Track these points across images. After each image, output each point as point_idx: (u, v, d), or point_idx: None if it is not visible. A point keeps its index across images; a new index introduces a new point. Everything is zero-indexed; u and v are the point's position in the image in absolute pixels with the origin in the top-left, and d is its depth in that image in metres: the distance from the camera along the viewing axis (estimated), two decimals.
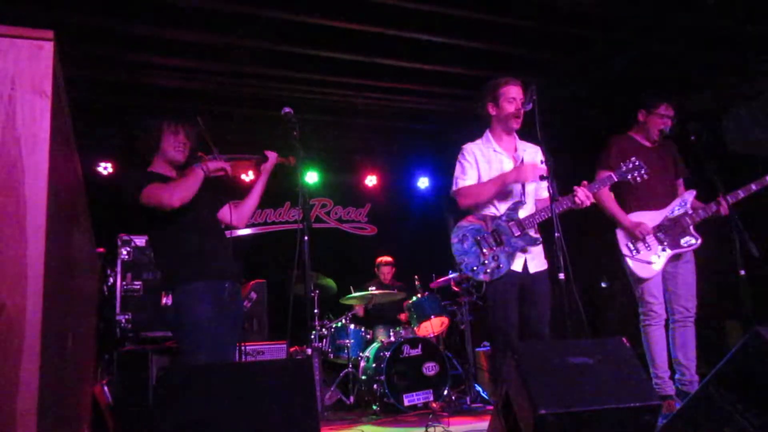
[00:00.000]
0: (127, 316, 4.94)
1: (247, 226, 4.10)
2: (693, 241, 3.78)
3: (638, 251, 3.80)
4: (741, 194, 3.72)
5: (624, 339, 2.11)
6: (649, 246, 3.79)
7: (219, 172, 2.98)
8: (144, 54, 5.00)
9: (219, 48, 4.98)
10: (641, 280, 3.80)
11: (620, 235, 3.89)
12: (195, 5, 4.34)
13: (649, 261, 3.77)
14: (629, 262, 3.82)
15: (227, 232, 3.20)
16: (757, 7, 4.46)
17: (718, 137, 5.28)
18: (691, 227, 3.80)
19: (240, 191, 3.50)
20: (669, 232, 3.80)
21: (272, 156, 3.25)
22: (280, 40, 4.90)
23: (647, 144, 4.01)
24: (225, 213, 3.23)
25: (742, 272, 3.35)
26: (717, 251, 4.13)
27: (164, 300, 2.85)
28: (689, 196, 3.90)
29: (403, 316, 6.30)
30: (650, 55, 5.19)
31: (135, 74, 5.34)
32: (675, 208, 3.85)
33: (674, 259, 3.83)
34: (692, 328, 3.82)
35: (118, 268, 5.09)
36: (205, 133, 2.94)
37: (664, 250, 3.78)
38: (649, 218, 3.85)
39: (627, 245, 3.84)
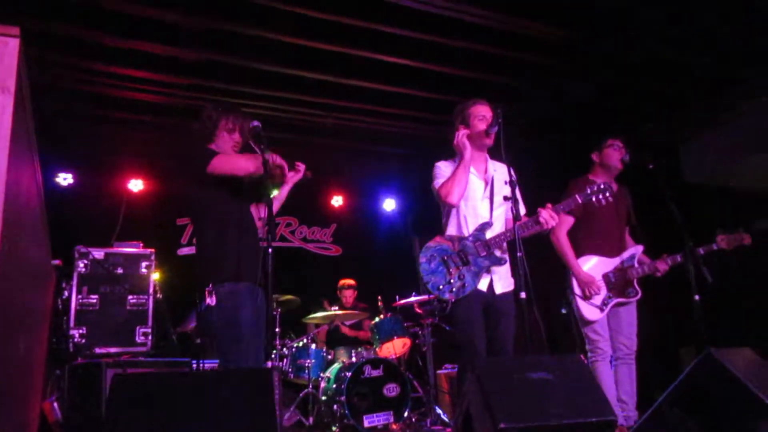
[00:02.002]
0: (81, 331, 4.79)
1: None
2: (634, 293, 3.94)
3: (590, 296, 3.93)
4: (701, 252, 3.84)
5: (582, 356, 2.14)
6: (599, 293, 3.91)
7: (276, 169, 3.00)
8: (110, 64, 4.95)
9: (188, 62, 4.96)
10: (587, 322, 3.91)
11: (575, 278, 4.00)
12: (166, 19, 4.33)
13: (597, 305, 3.91)
14: (579, 303, 3.94)
15: None
16: (711, 41, 4.67)
17: (674, 168, 5.47)
18: (635, 281, 3.95)
19: None
20: (617, 282, 3.94)
21: (302, 168, 3.30)
22: (252, 58, 4.91)
23: None
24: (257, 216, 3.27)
25: (697, 297, 3.44)
26: (671, 278, 4.26)
27: (208, 300, 2.77)
28: (638, 250, 4.05)
29: (362, 334, 6.29)
30: (610, 85, 5.37)
31: (98, 84, 5.28)
32: (625, 260, 3.98)
33: (619, 303, 3.96)
34: (633, 365, 3.95)
35: (74, 281, 4.95)
36: (262, 143, 2.91)
37: (610, 297, 3.92)
38: (602, 264, 3.99)
39: (581, 288, 3.95)
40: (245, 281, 2.88)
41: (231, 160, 2.98)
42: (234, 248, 2.93)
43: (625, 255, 4.02)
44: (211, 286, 2.80)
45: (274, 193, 3.23)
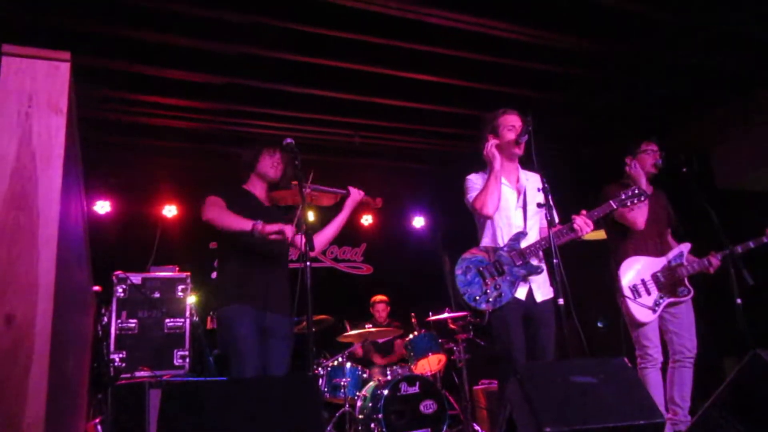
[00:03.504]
0: (121, 355, 4.88)
1: None
2: (687, 292, 3.85)
3: (639, 295, 3.83)
4: (739, 250, 3.79)
5: (626, 359, 2.11)
6: (649, 291, 3.83)
7: (272, 235, 3.06)
8: (141, 93, 5.10)
9: (217, 88, 5.09)
10: (639, 324, 3.82)
11: (623, 277, 3.92)
12: (193, 45, 4.46)
13: (649, 306, 3.81)
14: (630, 304, 3.84)
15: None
16: (743, 44, 4.63)
17: (707, 173, 5.39)
18: (686, 279, 3.87)
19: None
20: (666, 281, 3.85)
21: (355, 193, 3.47)
22: (278, 80, 5.02)
23: None
24: (296, 239, 3.32)
25: (739, 301, 3.38)
26: (711, 284, 4.18)
27: (210, 324, 3.03)
28: (685, 248, 3.97)
29: (394, 358, 6.29)
30: (638, 91, 5.34)
31: (131, 113, 5.44)
32: (672, 259, 3.91)
33: (672, 303, 3.88)
34: (691, 370, 3.83)
35: (113, 306, 5.06)
36: (297, 159, 3.08)
37: (662, 297, 3.82)
38: (649, 263, 3.91)
39: (630, 287, 3.87)
40: (245, 304, 3.07)
41: (204, 207, 3.18)
42: (236, 274, 3.16)
43: (672, 254, 3.93)
44: (213, 311, 3.04)
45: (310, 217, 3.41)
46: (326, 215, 3.63)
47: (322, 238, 3.48)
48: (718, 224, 3.58)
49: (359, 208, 3.68)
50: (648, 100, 5.51)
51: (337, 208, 3.52)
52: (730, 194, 5.29)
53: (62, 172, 1.54)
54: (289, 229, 3.06)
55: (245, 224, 3.05)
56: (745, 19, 4.32)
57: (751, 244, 3.80)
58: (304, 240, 2.77)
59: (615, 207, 3.25)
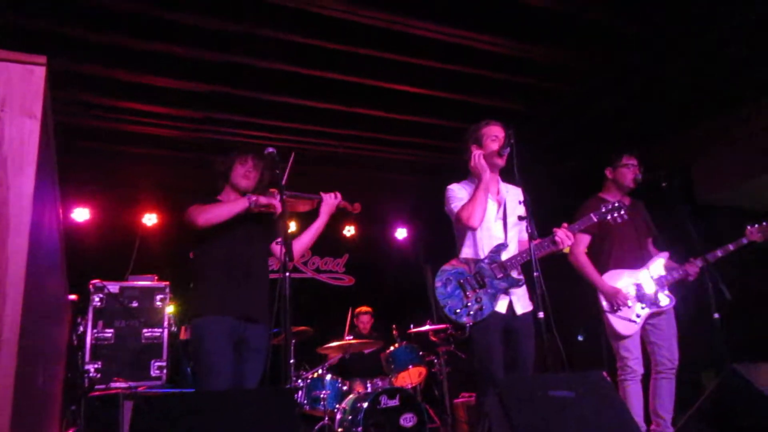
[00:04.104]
0: (96, 365, 4.80)
1: None
2: (668, 300, 3.87)
3: (620, 308, 3.85)
4: (719, 254, 3.83)
5: (604, 373, 2.11)
6: (631, 303, 3.84)
7: (265, 208, 3.09)
8: (123, 99, 5.04)
9: (199, 95, 5.05)
10: (621, 337, 3.84)
11: (600, 292, 3.95)
12: (177, 53, 4.43)
13: (630, 318, 3.83)
14: (611, 317, 3.86)
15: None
16: (725, 61, 4.71)
17: (687, 187, 5.45)
18: (666, 287, 3.89)
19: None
20: (648, 291, 3.87)
21: (329, 198, 3.42)
22: (262, 89, 5.00)
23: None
24: (275, 249, 3.40)
25: (716, 315, 3.40)
26: (689, 299, 4.21)
27: (183, 334, 2.96)
28: (664, 256, 4.00)
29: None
30: (621, 106, 5.40)
31: (112, 120, 5.38)
32: (653, 268, 3.94)
33: (654, 314, 3.90)
34: (672, 381, 3.85)
35: (89, 315, 4.98)
36: (278, 168, 3.02)
37: (644, 308, 3.84)
38: (627, 276, 3.92)
39: (609, 302, 3.88)
40: (220, 315, 3.00)
41: (190, 211, 3.11)
42: (212, 284, 3.09)
43: (652, 264, 3.95)
44: (188, 321, 2.97)
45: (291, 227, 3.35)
46: (306, 222, 3.59)
47: (298, 245, 3.44)
48: (696, 238, 3.61)
49: (340, 215, 3.66)
50: (631, 114, 5.57)
51: (315, 214, 3.49)
52: (709, 209, 5.36)
53: (35, 178, 1.51)
54: (277, 202, 3.08)
55: (242, 203, 3.07)
56: (726, 38, 4.39)
57: (731, 247, 3.83)
58: (283, 250, 2.74)
59: (595, 220, 3.27)
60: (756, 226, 3.89)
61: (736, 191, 5.46)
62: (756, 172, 5.25)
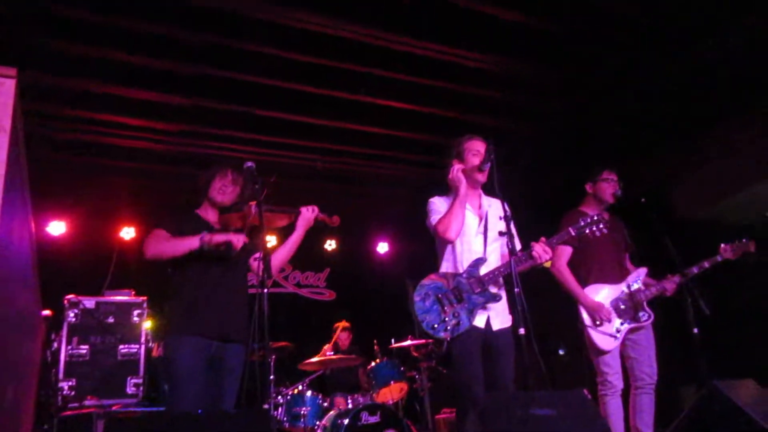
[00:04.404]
0: (70, 383, 4.69)
1: None
2: (647, 316, 3.89)
3: (601, 323, 3.86)
4: (695, 270, 3.86)
5: (585, 390, 2.10)
6: (610, 318, 3.86)
7: (220, 246, 3.01)
8: (99, 112, 4.99)
9: (178, 108, 5.01)
10: (601, 352, 3.84)
11: (582, 306, 3.95)
12: (157, 66, 4.39)
13: (611, 333, 3.84)
14: (591, 333, 3.86)
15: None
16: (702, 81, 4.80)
17: (666, 204, 5.51)
18: (645, 303, 3.91)
19: None
20: (627, 307, 3.88)
21: (307, 212, 3.39)
22: (242, 103, 4.97)
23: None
24: (253, 265, 3.33)
25: (696, 330, 3.42)
26: (668, 315, 4.24)
27: (155, 352, 2.90)
28: (642, 272, 4.03)
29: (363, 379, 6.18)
30: (602, 123, 5.46)
31: (89, 132, 5.32)
32: (631, 283, 3.95)
33: (633, 330, 3.91)
34: (652, 396, 3.85)
35: (64, 331, 4.87)
36: (257, 183, 2.98)
37: (623, 323, 3.86)
38: (607, 291, 3.94)
39: (590, 316, 3.89)
40: (192, 335, 2.95)
41: (146, 241, 3.06)
42: (186, 302, 3.03)
43: (630, 279, 3.97)
44: (161, 339, 2.93)
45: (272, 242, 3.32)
46: (287, 236, 3.55)
47: (276, 260, 3.38)
48: (674, 253, 3.64)
49: (320, 229, 3.62)
50: (611, 131, 5.63)
51: (292, 228, 3.45)
52: (687, 225, 5.41)
53: (2, 191, 1.47)
54: (236, 238, 3.01)
55: (191, 242, 2.98)
56: (703, 60, 4.48)
57: (706, 264, 3.87)
58: (261, 266, 2.70)
59: (573, 234, 3.27)
60: (729, 244, 3.93)
61: (713, 208, 5.53)
62: (730, 191, 5.33)
